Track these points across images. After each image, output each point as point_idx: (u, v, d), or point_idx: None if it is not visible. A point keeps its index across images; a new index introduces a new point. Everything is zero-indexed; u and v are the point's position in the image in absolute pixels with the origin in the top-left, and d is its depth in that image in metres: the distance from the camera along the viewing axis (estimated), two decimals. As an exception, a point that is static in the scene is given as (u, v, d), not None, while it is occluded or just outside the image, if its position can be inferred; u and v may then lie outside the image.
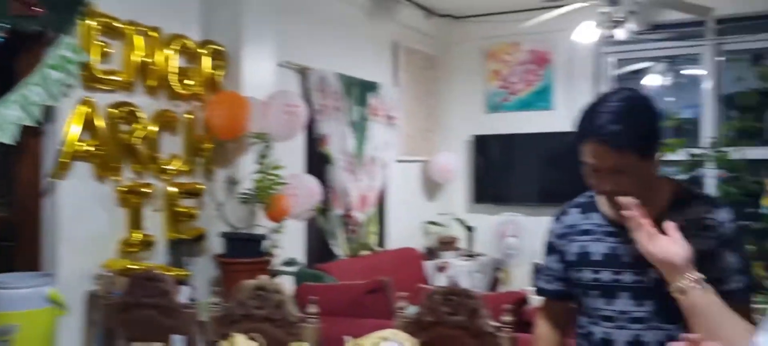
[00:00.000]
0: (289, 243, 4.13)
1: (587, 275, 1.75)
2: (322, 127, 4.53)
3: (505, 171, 5.96)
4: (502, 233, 5.49)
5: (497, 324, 1.99)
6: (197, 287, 3.51)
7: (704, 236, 1.66)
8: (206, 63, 3.74)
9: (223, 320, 2.23)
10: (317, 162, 4.62)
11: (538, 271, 1.91)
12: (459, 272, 5.39)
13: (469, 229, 5.87)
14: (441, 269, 5.42)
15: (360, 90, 4.96)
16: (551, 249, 1.87)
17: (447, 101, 6.15)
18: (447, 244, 5.83)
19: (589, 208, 1.81)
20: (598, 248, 1.75)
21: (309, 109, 4.19)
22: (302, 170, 4.39)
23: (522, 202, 5.68)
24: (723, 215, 1.68)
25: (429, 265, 5.47)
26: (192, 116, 3.71)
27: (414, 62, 5.75)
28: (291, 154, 4.20)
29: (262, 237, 3.76)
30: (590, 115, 1.67)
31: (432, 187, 6.03)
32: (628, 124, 1.61)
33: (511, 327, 1.97)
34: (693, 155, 4.62)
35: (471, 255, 5.74)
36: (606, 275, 1.72)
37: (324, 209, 4.55)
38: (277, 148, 3.82)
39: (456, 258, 5.66)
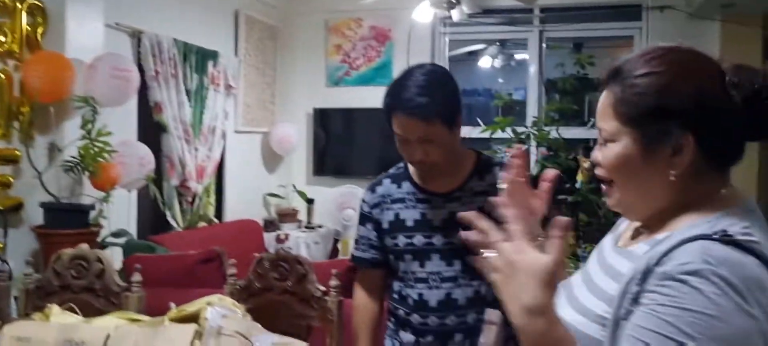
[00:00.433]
0: (120, 214, 3.96)
1: (401, 240, 1.86)
2: (156, 94, 4.34)
3: (345, 144, 6.06)
4: (341, 205, 5.60)
5: (324, 289, 2.05)
6: (13, 261, 3.27)
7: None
8: (23, 19, 3.45)
9: (38, 292, 2.10)
10: (151, 130, 4.43)
11: (355, 241, 2.00)
12: (298, 243, 5.44)
13: (309, 201, 5.92)
14: (280, 240, 5.43)
15: (198, 58, 4.81)
16: (366, 219, 1.96)
17: (288, 73, 6.12)
18: (287, 216, 5.85)
19: (401, 178, 1.93)
20: (410, 215, 1.86)
21: (142, 74, 4.02)
22: (134, 138, 4.20)
23: (361, 174, 5.81)
24: None
25: (268, 237, 5.46)
26: (6, 76, 3.42)
27: (256, 32, 5.66)
28: (122, 122, 4.00)
29: (89, 207, 3.57)
30: (397, 89, 1.77)
31: (272, 159, 6.00)
32: (433, 96, 1.73)
33: (338, 291, 2.03)
34: (517, 133, 4.95)
35: (311, 227, 5.80)
36: (419, 239, 1.84)
37: (158, 179, 4.39)
38: (106, 115, 3.62)
39: (296, 230, 5.70)
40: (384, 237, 1.90)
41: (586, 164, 5.14)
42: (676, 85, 1.01)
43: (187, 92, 4.65)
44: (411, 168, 1.93)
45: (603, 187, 1.12)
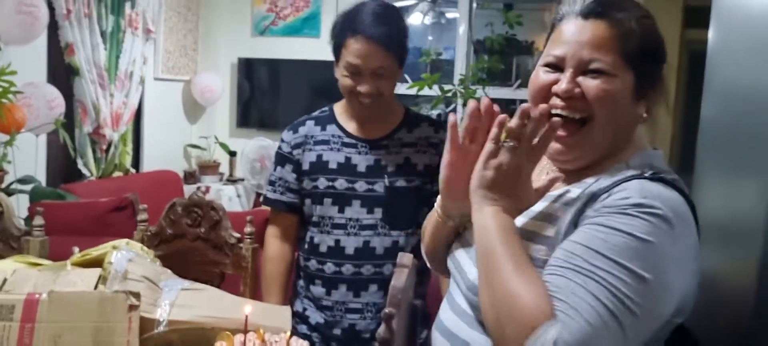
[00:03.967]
0: (27, 161, 3.75)
1: (322, 182, 1.81)
2: (68, 34, 4.10)
3: (270, 96, 5.92)
4: (261, 158, 5.50)
5: (239, 236, 1.99)
6: None
7: (431, 152, 1.82)
8: None
9: (-71, 235, 1.96)
10: (62, 73, 4.20)
11: (270, 183, 1.94)
12: (220, 196, 5.32)
13: (232, 153, 5.78)
14: (201, 193, 5.30)
15: (115, -2, 4.57)
16: (285, 160, 1.89)
17: (212, 20, 5.90)
18: (208, 168, 5.70)
19: (326, 121, 1.88)
20: (334, 157, 1.82)
21: (52, 12, 3.79)
22: (43, 80, 3.97)
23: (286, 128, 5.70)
24: (445, 136, 1.85)
25: (189, 189, 5.31)
26: None
27: (178, -25, 5.43)
28: (29, 62, 3.77)
29: (-9, 151, 3.36)
30: (355, 16, 1.73)
31: (194, 109, 5.80)
32: (392, 27, 1.72)
33: (252, 238, 1.98)
34: (443, 90, 4.96)
35: (233, 180, 5.68)
36: (341, 183, 1.80)
37: (70, 125, 4.17)
38: (11, 53, 3.40)
39: (217, 182, 5.57)
40: (303, 179, 1.85)
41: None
42: (659, 32, 1.08)
43: (102, 34, 4.42)
44: (337, 112, 1.89)
45: (557, 121, 1.04)
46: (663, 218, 0.92)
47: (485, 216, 1.01)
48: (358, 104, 1.80)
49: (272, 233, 1.93)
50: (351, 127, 1.85)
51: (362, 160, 1.81)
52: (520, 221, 1.09)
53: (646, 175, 0.99)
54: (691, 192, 1.67)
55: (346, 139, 1.83)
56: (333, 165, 1.81)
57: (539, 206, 1.10)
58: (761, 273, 1.26)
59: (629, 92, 1.04)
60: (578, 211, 1.00)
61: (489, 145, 1.02)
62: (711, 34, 1.51)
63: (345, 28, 1.74)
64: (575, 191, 1.06)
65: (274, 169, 1.92)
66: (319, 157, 1.83)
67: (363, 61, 1.71)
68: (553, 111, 1.06)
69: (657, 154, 1.08)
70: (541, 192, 1.06)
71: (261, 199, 5.61)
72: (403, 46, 1.76)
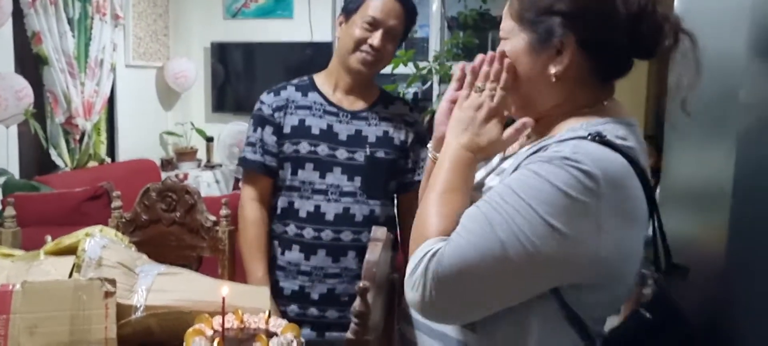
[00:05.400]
0: (-2, 153, 3.70)
1: (304, 146, 1.83)
2: (34, 23, 4.02)
3: (245, 80, 5.87)
4: (238, 142, 5.46)
5: (215, 219, 1.98)
6: None
7: (404, 130, 1.85)
8: None
9: None
10: (30, 62, 4.12)
11: (249, 145, 1.90)
12: (198, 182, 5.28)
13: (209, 139, 5.73)
14: (179, 180, 5.26)
15: (81, -15, 4.48)
16: (265, 122, 1.87)
17: (182, 4, 5.80)
18: (185, 155, 5.66)
19: (308, 88, 1.90)
20: (316, 123, 1.84)
21: (17, 1, 3.71)
22: (11, 71, 3.89)
23: (262, 111, 5.65)
24: (417, 116, 1.91)
25: (166, 177, 5.27)
26: None
27: (145, -41, 5.33)
28: (-5, 52, 3.70)
29: (-40, 145, 3.30)
30: None
31: (168, 95, 5.73)
32: None
33: (228, 220, 1.97)
34: (418, 68, 4.95)
35: (210, 165, 5.65)
36: (322, 149, 1.82)
37: (41, 115, 4.10)
38: (-25, 43, 3.33)
39: (195, 169, 5.53)
40: (284, 142, 1.84)
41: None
42: None
43: (70, 21, 4.33)
44: (319, 82, 1.90)
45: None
46: (588, 174, 0.93)
47: (447, 148, 1.09)
48: (358, 62, 1.81)
49: (250, 196, 1.90)
50: (332, 97, 1.88)
51: (344, 129, 1.84)
52: (477, 176, 1.16)
53: (586, 137, 0.99)
54: (662, 156, 1.69)
55: (328, 108, 1.86)
56: (315, 130, 1.84)
57: (493, 164, 1.18)
58: (730, 235, 1.28)
59: (524, 50, 1.08)
60: (517, 165, 1.05)
61: (465, 91, 1.11)
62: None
63: None
64: (527, 151, 1.11)
65: (253, 131, 1.89)
66: (302, 121, 1.84)
67: (384, 15, 1.78)
68: None
69: (609, 126, 1.05)
70: (508, 142, 1.10)
71: (240, 183, 5.58)
72: (412, 20, 1.86)
